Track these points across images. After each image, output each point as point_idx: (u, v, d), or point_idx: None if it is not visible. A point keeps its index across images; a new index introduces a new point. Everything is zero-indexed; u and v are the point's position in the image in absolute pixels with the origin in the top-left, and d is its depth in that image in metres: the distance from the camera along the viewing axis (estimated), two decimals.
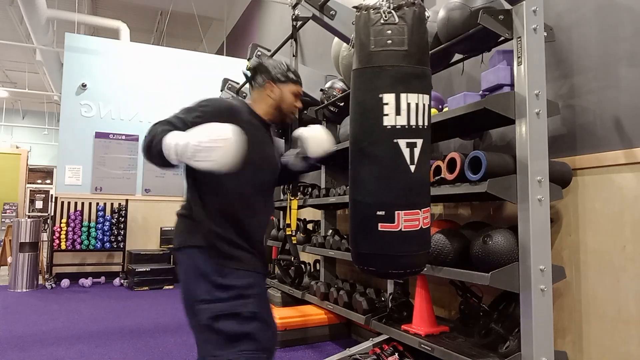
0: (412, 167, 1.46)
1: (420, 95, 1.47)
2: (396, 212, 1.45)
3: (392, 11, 1.45)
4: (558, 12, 2.10)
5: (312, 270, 3.91)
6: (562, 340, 1.97)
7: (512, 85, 1.94)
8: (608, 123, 1.87)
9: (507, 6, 1.86)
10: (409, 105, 1.46)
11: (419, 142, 1.48)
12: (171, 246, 6.10)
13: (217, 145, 1.23)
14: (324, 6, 2.27)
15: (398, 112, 1.46)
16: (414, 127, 1.47)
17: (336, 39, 3.22)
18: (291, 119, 1.73)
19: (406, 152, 1.47)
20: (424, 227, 1.48)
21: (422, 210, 1.48)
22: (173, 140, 1.28)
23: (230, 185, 1.48)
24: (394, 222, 1.45)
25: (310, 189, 3.64)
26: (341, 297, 2.89)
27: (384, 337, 2.46)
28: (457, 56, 2.41)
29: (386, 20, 1.46)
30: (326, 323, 3.22)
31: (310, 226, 3.88)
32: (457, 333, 2.19)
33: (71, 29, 7.32)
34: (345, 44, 2.92)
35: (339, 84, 3.25)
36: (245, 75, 1.70)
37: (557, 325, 1.99)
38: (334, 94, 3.22)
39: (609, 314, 1.81)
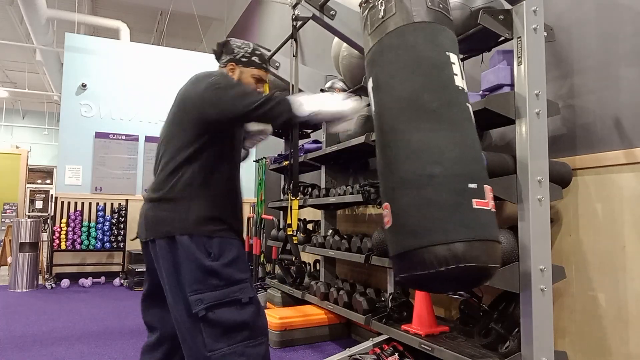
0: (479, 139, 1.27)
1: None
2: (484, 185, 1.18)
3: None
4: (558, 12, 2.10)
5: (312, 270, 3.91)
6: (562, 340, 1.97)
7: (512, 85, 1.94)
8: (608, 123, 1.87)
9: (507, 6, 1.86)
10: (462, 68, 1.31)
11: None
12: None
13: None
14: (324, 6, 2.27)
15: (463, 76, 1.29)
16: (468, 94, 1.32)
17: (336, 39, 3.22)
18: None
19: (473, 119, 1.27)
20: None
21: None
22: (301, 96, 1.41)
23: (234, 157, 1.54)
24: (485, 199, 1.16)
25: (310, 189, 3.64)
26: (341, 297, 2.89)
27: (384, 337, 2.46)
28: None
29: None
30: (326, 323, 3.22)
31: (310, 226, 3.88)
32: (457, 333, 2.19)
33: (71, 29, 7.32)
34: (345, 44, 2.92)
35: (339, 84, 3.25)
36: (213, 50, 1.69)
37: (557, 325, 1.99)
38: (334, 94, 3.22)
39: (609, 314, 1.81)
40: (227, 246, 1.44)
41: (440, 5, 1.32)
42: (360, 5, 1.49)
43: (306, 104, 1.39)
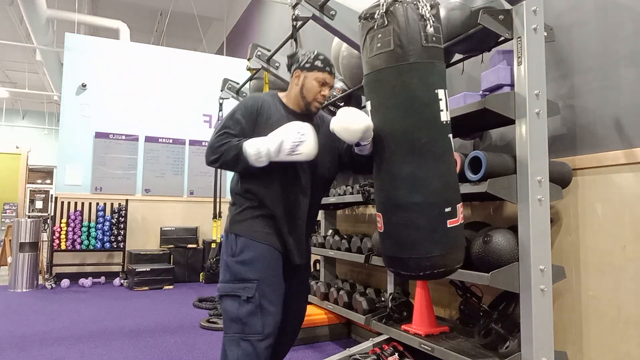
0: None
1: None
2: (457, 205, 1.46)
3: (430, 7, 1.44)
4: (558, 12, 2.10)
5: (312, 270, 3.91)
6: (562, 340, 1.97)
7: (512, 85, 1.94)
8: (608, 123, 1.87)
9: (507, 6, 1.86)
10: (447, 101, 1.49)
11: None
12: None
13: (303, 139, 1.53)
14: (324, 6, 2.27)
15: (447, 108, 1.48)
16: (450, 123, 1.50)
17: (336, 39, 3.22)
18: (317, 107, 1.73)
19: (453, 146, 1.50)
20: None
21: None
22: (260, 147, 1.54)
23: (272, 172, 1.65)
24: (456, 217, 1.45)
25: None
26: (341, 297, 2.89)
27: (384, 337, 2.45)
28: (457, 56, 2.41)
29: (428, 17, 1.43)
30: (326, 323, 3.22)
31: None
32: (457, 333, 2.19)
33: (71, 29, 7.32)
34: (345, 44, 2.92)
35: (339, 84, 3.24)
36: (287, 65, 1.78)
37: (557, 325, 1.98)
38: (334, 94, 3.22)
39: (609, 314, 1.81)
40: (249, 246, 1.65)
41: (434, 39, 1.44)
42: (359, 18, 1.51)
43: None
